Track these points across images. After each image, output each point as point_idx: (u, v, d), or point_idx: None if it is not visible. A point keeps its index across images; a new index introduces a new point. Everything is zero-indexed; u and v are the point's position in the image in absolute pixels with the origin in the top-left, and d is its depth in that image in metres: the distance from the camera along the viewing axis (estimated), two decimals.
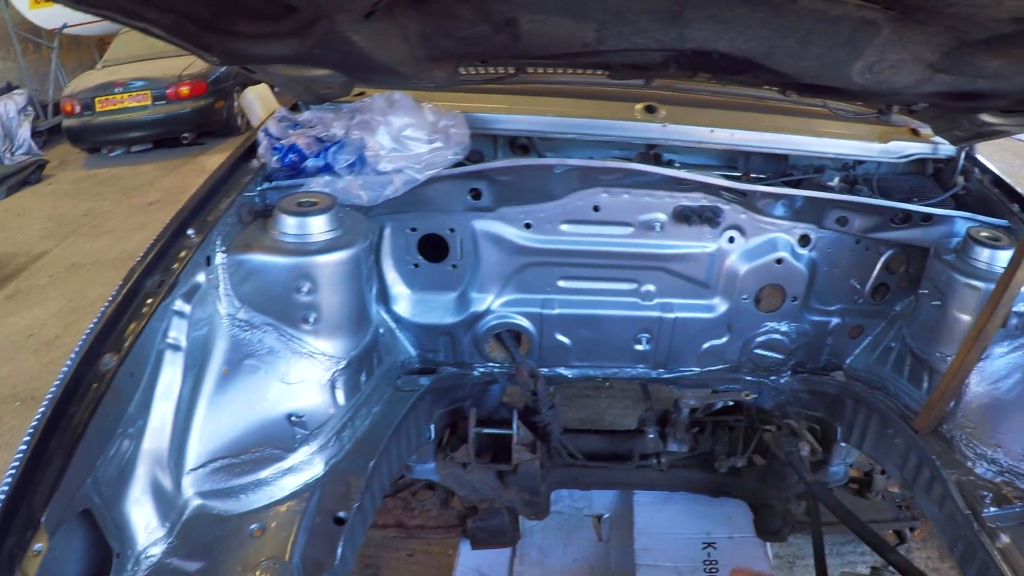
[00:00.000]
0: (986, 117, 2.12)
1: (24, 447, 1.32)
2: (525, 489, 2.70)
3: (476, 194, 2.32)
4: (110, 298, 1.63)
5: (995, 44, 1.43)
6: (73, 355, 1.50)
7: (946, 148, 2.52)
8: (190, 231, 1.86)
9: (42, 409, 1.39)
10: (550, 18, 1.54)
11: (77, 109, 10.27)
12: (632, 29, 1.59)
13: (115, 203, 8.75)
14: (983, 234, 2.18)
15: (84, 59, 13.69)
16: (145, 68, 10.48)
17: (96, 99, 10.21)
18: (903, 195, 2.50)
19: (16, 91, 11.60)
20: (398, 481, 3.16)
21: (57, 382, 1.44)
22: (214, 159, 9.83)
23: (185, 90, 10.18)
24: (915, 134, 2.54)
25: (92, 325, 1.56)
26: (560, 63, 1.95)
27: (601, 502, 3.32)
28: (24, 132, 10.97)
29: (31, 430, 1.36)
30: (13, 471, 1.29)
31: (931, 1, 1.29)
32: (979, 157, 2.58)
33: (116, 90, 10.25)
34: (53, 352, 5.53)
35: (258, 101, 10.86)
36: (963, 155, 2.52)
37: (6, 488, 1.26)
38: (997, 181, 2.48)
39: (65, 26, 11.99)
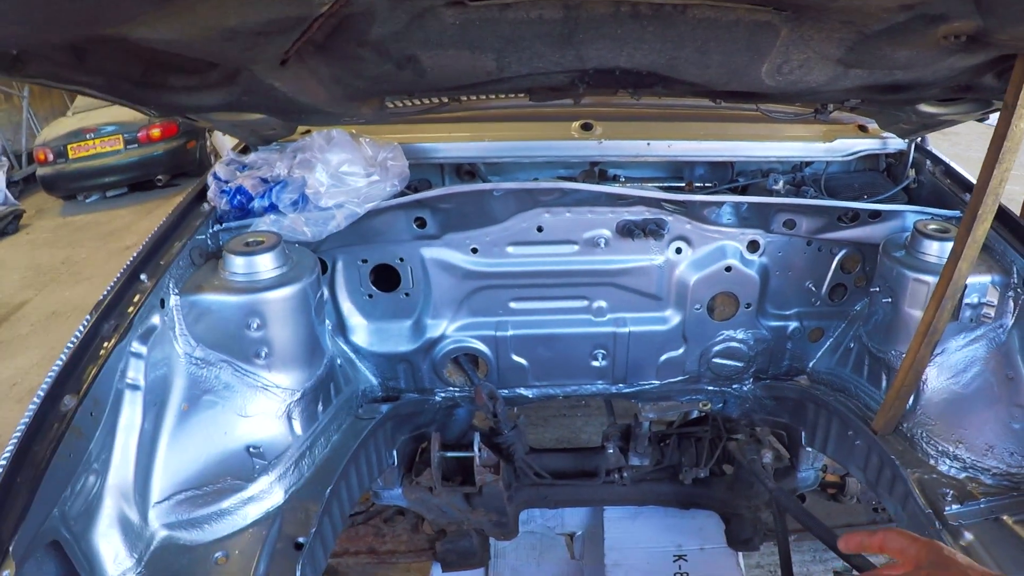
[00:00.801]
0: (926, 108, 2.13)
1: None
2: (492, 510, 2.71)
3: (421, 223, 2.36)
4: (70, 343, 1.68)
5: (895, 34, 1.46)
6: (37, 398, 1.55)
7: (896, 142, 2.54)
8: (143, 276, 1.91)
9: (8, 448, 1.45)
10: (448, 52, 1.58)
11: (50, 157, 10.30)
12: (529, 55, 1.63)
13: (93, 249, 8.77)
14: (931, 227, 2.17)
15: (56, 105, 13.71)
16: (115, 112, 10.41)
17: (68, 146, 10.26)
18: (853, 193, 2.52)
19: None
20: (369, 508, 3.18)
21: (22, 424, 1.49)
22: None
23: (156, 132, 10.22)
24: (863, 131, 2.56)
25: (53, 369, 1.62)
26: (472, 92, 2.00)
27: (573, 520, 3.33)
28: None
29: None
30: None
31: None
32: (931, 149, 2.58)
33: (88, 136, 10.29)
34: None
35: (230, 139, 10.89)
36: (912, 148, 2.54)
37: None
38: (949, 172, 2.47)
39: None
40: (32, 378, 5.91)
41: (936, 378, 2.11)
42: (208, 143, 10.80)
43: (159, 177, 10.55)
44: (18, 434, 1.48)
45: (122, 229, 9.27)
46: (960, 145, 2.54)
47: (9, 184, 11.17)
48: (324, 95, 1.79)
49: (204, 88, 1.71)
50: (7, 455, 1.43)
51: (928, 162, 2.54)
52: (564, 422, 4.30)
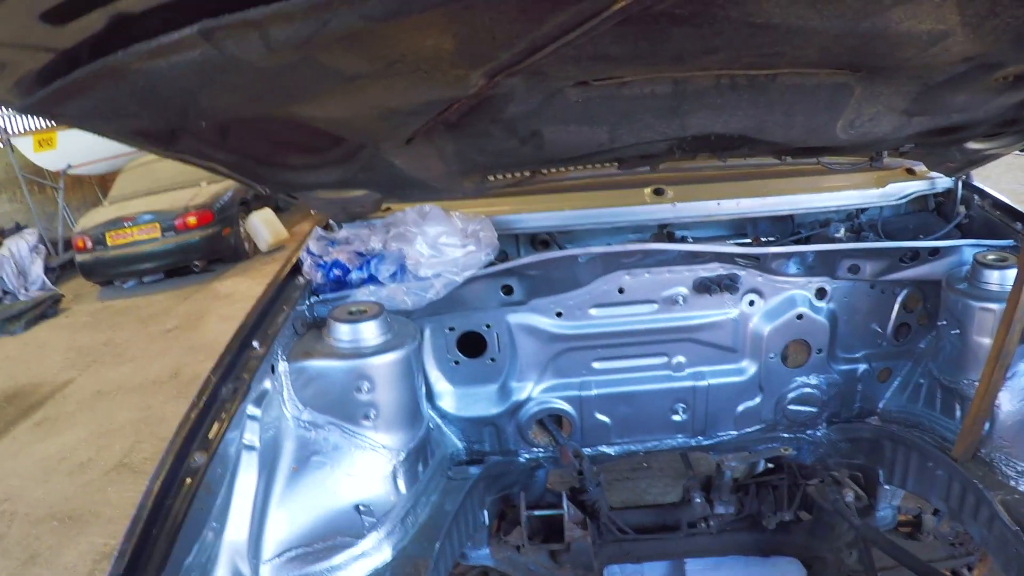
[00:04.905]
0: (973, 144, 2.26)
1: (127, 536, 1.44)
2: (579, 566, 2.74)
3: (508, 290, 2.47)
4: (191, 403, 1.77)
5: (956, 82, 1.59)
6: (162, 455, 1.63)
7: (943, 181, 2.64)
8: (255, 343, 2.00)
9: (141, 501, 1.51)
10: (568, 127, 1.73)
11: (89, 244, 10.55)
12: (639, 126, 1.78)
13: (133, 332, 8.90)
14: (990, 257, 2.27)
15: (88, 197, 14.18)
16: (152, 202, 10.85)
17: (107, 234, 10.50)
18: (910, 234, 2.63)
19: (26, 230, 12.06)
20: (454, 570, 3.21)
21: (150, 477, 1.56)
22: (226, 284, 10.03)
23: (192, 220, 10.44)
24: (911, 173, 2.67)
25: (176, 428, 1.70)
26: (582, 162, 2.15)
27: (653, 574, 3.34)
28: (37, 269, 11.31)
29: (132, 520, 1.47)
30: (117, 559, 1.40)
31: (892, 59, 1.46)
32: (977, 184, 2.68)
33: (126, 224, 10.54)
34: (87, 474, 5.63)
35: (263, 225, 11.31)
36: (960, 185, 2.64)
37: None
38: (998, 204, 2.57)
39: (69, 167, 12.47)
40: (80, 453, 5.99)
41: (1009, 401, 2.19)
42: (242, 230, 11.10)
43: (196, 263, 10.76)
44: (146, 488, 1.53)
45: (161, 313, 9.41)
46: (991, 179, 2.66)
47: (47, 271, 11.52)
48: (440, 170, 1.93)
49: (322, 166, 1.85)
50: (139, 508, 1.49)
51: (976, 197, 2.65)
52: (628, 485, 4.32)
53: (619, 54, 1.30)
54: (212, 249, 10.79)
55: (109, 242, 10.52)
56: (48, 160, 12.44)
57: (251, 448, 1.86)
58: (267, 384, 1.98)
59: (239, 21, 0.92)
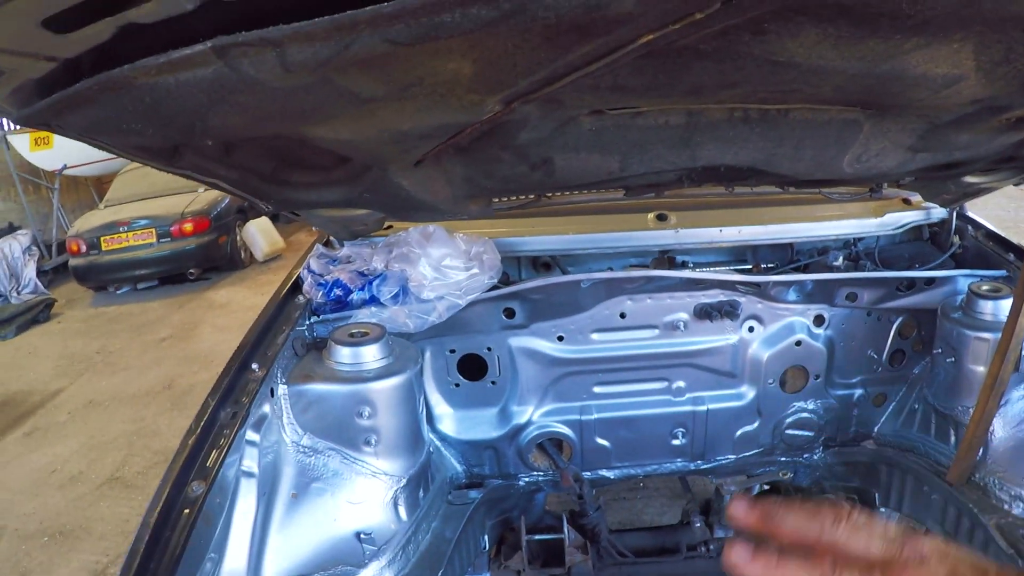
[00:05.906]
0: (969, 178, 2.30)
1: (124, 571, 1.40)
2: None
3: (510, 313, 2.46)
4: (189, 429, 1.74)
5: (962, 122, 1.62)
6: (160, 484, 1.59)
7: (938, 211, 2.68)
8: (254, 365, 1.97)
9: (138, 533, 1.47)
10: (580, 155, 1.72)
11: (83, 248, 10.42)
12: (651, 156, 1.78)
13: (127, 340, 8.83)
14: (984, 287, 2.32)
15: (83, 199, 14.03)
16: (148, 207, 10.74)
17: (102, 238, 10.38)
18: (905, 263, 2.68)
19: (20, 231, 11.91)
20: None
21: (147, 509, 1.52)
22: (221, 294, 9.93)
23: (189, 227, 10.35)
24: (907, 203, 2.71)
25: (174, 456, 1.66)
26: (591, 188, 2.15)
27: None
28: (30, 271, 11.16)
29: (128, 554, 1.43)
30: None
31: (904, 99, 1.47)
32: (971, 214, 2.74)
33: (121, 229, 10.41)
34: (79, 488, 5.54)
35: (260, 234, 11.21)
36: (954, 216, 2.68)
37: None
38: (991, 235, 2.63)
39: (65, 167, 12.26)
40: (72, 466, 5.90)
41: (1002, 428, 2.24)
42: (238, 238, 11.00)
43: (191, 271, 10.63)
44: (144, 520, 1.50)
45: (155, 321, 9.34)
46: (977, 204, 2.73)
47: (39, 274, 11.37)
48: (447, 193, 1.92)
49: (327, 184, 1.83)
50: (136, 541, 1.45)
51: (969, 227, 2.70)
52: (624, 505, 4.30)
53: (637, 85, 1.29)
54: (208, 257, 10.66)
55: (104, 246, 10.39)
56: (44, 159, 12.22)
57: (250, 475, 1.83)
58: (266, 408, 1.94)
59: (257, 39, 0.89)
